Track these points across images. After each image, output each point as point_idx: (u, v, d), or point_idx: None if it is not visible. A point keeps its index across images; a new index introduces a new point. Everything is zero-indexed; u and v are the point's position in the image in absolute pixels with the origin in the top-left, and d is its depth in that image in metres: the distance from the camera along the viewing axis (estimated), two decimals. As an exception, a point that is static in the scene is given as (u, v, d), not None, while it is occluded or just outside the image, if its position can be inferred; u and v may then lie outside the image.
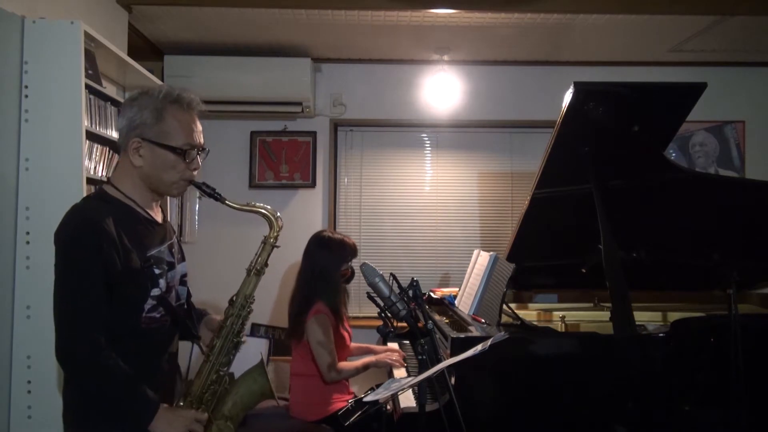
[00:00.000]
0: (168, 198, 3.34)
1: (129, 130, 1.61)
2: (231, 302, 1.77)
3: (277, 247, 1.81)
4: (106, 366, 1.52)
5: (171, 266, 1.71)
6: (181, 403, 1.70)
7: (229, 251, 4.31)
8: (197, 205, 4.41)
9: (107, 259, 1.52)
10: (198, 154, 1.67)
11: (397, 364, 2.91)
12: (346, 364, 2.83)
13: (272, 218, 1.80)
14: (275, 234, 1.79)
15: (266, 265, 1.80)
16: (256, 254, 1.79)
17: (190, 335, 1.77)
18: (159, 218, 1.73)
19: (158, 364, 1.69)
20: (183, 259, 1.82)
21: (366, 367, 2.88)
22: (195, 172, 1.68)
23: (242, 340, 1.79)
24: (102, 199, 1.63)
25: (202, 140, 1.68)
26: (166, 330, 1.69)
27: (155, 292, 1.62)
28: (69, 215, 1.59)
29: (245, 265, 1.80)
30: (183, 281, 1.79)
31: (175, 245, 1.78)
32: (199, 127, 1.68)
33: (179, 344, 1.81)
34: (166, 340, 1.71)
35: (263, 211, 1.78)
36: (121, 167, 1.67)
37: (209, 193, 1.69)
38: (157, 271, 1.63)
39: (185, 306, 1.82)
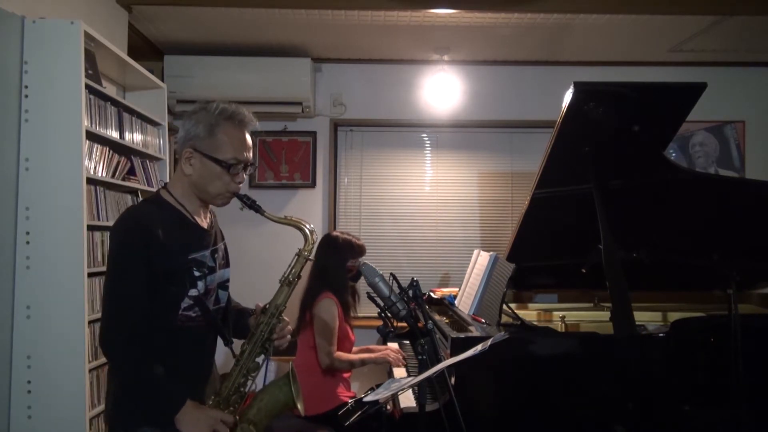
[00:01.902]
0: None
1: (184, 141, 1.75)
2: (263, 310, 1.84)
3: (311, 260, 1.90)
4: (137, 355, 1.63)
5: (212, 270, 1.78)
6: (210, 403, 1.76)
7: (236, 254, 4.30)
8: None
9: (150, 257, 1.64)
10: (244, 168, 1.77)
11: (396, 362, 2.92)
12: (343, 355, 2.89)
13: (308, 232, 1.87)
14: (309, 247, 1.87)
15: (299, 276, 1.87)
16: (289, 266, 1.86)
17: (224, 338, 1.84)
18: (206, 224, 1.82)
19: (192, 362, 1.77)
20: (227, 264, 1.90)
21: (363, 363, 2.92)
22: (240, 186, 1.78)
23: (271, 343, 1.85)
24: (155, 203, 1.76)
25: (250, 156, 1.79)
26: (201, 330, 1.77)
27: (193, 292, 1.71)
28: (122, 215, 1.76)
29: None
30: (224, 286, 1.86)
31: (219, 251, 1.85)
32: (249, 143, 1.78)
33: (217, 348, 1.88)
34: (200, 340, 1.79)
35: (300, 224, 1.87)
36: (176, 174, 1.81)
37: (249, 204, 1.79)
38: (196, 273, 1.73)
39: (224, 310, 1.88)
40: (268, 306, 1.84)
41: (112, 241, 1.71)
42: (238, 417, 1.76)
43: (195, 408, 1.66)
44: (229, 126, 1.74)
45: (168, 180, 1.95)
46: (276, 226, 1.91)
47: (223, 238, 1.91)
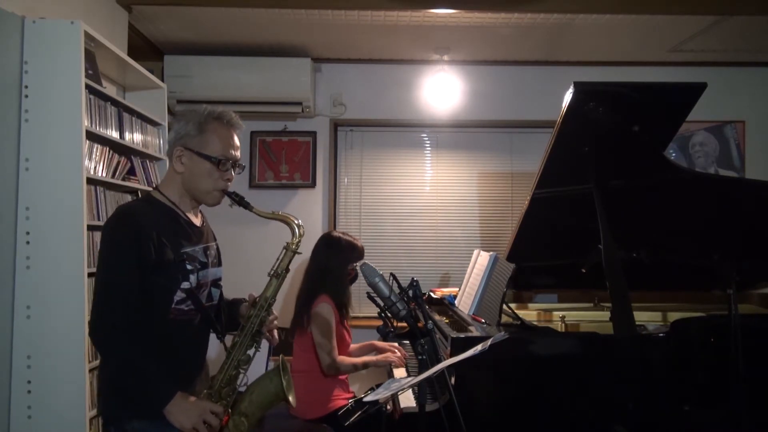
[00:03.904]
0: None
1: (175, 140, 1.81)
2: (253, 303, 1.87)
3: (299, 253, 1.93)
4: (128, 346, 1.65)
5: (204, 266, 1.82)
6: (202, 396, 1.77)
7: (231, 251, 4.30)
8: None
9: (142, 249, 1.66)
10: (233, 167, 1.82)
11: (398, 362, 2.91)
12: (346, 359, 2.87)
13: (295, 226, 1.91)
14: (297, 241, 1.91)
15: (287, 270, 1.90)
16: (277, 259, 1.90)
17: (217, 333, 1.88)
18: (197, 222, 1.87)
19: (184, 356, 1.80)
20: (219, 264, 1.94)
21: (366, 366, 2.89)
22: (228, 184, 1.82)
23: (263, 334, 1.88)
24: (147, 201, 1.82)
25: (238, 155, 1.85)
26: (194, 325, 1.80)
27: (185, 285, 1.74)
28: (115, 211, 1.79)
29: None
30: (217, 284, 1.91)
31: (211, 249, 1.90)
32: (236, 143, 1.84)
33: (209, 344, 1.91)
34: (193, 334, 1.82)
35: (287, 219, 1.91)
36: (168, 175, 1.86)
37: (238, 201, 1.84)
38: (188, 267, 1.76)
39: (217, 307, 1.92)
40: (258, 299, 1.87)
41: (104, 235, 1.74)
42: (230, 410, 1.79)
43: (185, 399, 1.67)
44: (218, 125, 1.80)
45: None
46: (270, 225, 1.93)
47: (215, 239, 1.96)
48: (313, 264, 2.95)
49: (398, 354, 2.94)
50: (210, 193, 1.81)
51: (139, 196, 3.20)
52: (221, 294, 1.95)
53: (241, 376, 1.84)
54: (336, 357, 2.79)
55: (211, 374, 1.94)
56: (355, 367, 2.86)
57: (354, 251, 2.94)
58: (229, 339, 1.88)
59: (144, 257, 1.66)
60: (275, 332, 1.92)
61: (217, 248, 1.95)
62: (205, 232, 1.89)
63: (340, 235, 2.99)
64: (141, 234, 1.67)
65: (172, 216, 1.79)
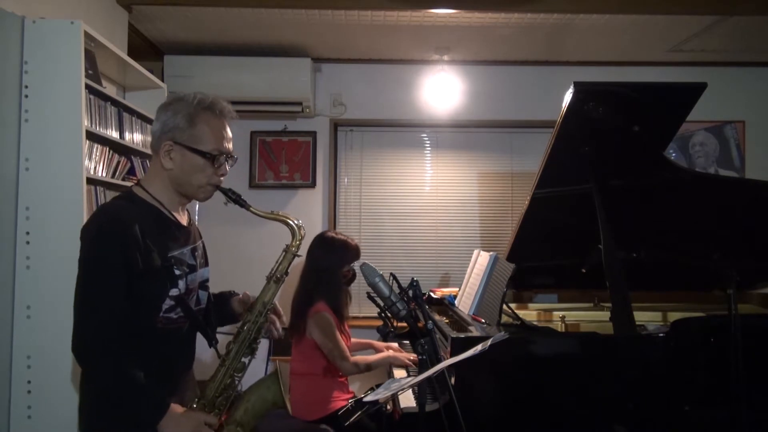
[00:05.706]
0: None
1: (162, 134, 1.65)
2: (249, 308, 1.79)
3: (299, 256, 1.83)
4: (118, 362, 1.53)
5: (192, 269, 1.71)
6: (194, 406, 1.70)
7: (228, 251, 4.31)
8: (197, 206, 4.40)
9: (129, 256, 1.53)
10: (226, 160, 1.69)
11: (413, 366, 2.89)
12: (360, 358, 2.82)
13: (295, 228, 1.82)
14: (297, 243, 1.81)
15: (286, 273, 1.81)
16: (276, 262, 1.81)
17: (208, 340, 1.76)
18: (184, 221, 1.75)
19: (173, 365, 1.70)
20: (206, 264, 1.82)
21: (368, 368, 2.86)
22: (222, 178, 1.70)
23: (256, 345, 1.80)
24: (129, 200, 1.66)
25: (231, 147, 1.72)
26: (183, 332, 1.70)
27: (174, 292, 1.63)
28: (95, 213, 1.64)
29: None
30: (204, 286, 1.79)
31: (199, 249, 1.78)
32: (229, 134, 1.71)
33: (196, 349, 1.82)
34: (182, 342, 1.72)
35: (287, 220, 1.81)
36: (152, 170, 1.71)
37: (234, 199, 1.72)
38: (177, 272, 1.64)
39: (205, 311, 1.82)
40: (255, 303, 1.78)
41: (85, 240, 1.57)
42: (223, 419, 1.71)
43: (177, 411, 1.58)
44: (210, 116, 1.67)
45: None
46: (265, 224, 1.87)
47: (200, 237, 1.83)
48: (307, 265, 2.87)
49: (413, 357, 2.91)
50: (203, 188, 1.68)
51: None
52: (209, 296, 1.83)
53: (235, 383, 1.75)
54: (349, 358, 2.75)
55: (198, 379, 1.86)
56: (367, 366, 2.82)
57: (347, 251, 2.86)
58: (221, 346, 1.78)
59: (130, 266, 1.53)
60: (278, 325, 1.82)
61: (204, 247, 1.83)
62: (192, 232, 1.77)
63: (333, 234, 2.92)
64: (127, 239, 1.53)
65: (158, 216, 1.65)
